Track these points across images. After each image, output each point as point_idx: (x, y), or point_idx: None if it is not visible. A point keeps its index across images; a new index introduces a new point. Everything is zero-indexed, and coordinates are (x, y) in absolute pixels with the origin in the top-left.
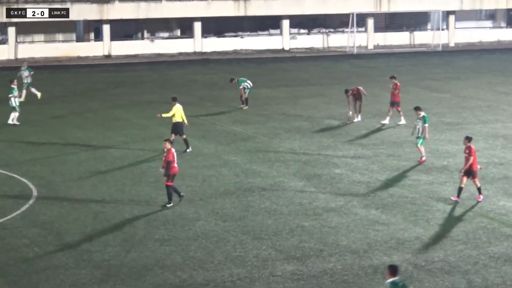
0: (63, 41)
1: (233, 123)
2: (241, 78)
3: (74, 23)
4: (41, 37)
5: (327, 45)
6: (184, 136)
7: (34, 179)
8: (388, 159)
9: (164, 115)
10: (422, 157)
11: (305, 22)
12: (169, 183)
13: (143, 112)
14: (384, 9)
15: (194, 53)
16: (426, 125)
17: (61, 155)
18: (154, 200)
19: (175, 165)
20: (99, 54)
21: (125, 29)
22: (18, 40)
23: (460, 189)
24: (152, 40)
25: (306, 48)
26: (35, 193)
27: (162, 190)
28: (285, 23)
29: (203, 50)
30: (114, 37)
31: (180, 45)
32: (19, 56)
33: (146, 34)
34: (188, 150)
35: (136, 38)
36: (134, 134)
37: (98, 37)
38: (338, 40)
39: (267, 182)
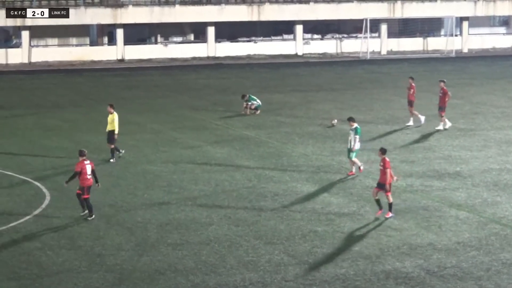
0: (76, 45)
1: (246, 128)
2: (253, 96)
3: (88, 27)
4: (55, 41)
5: (340, 50)
6: (112, 146)
7: (47, 183)
8: (401, 165)
9: (114, 128)
10: (352, 170)
11: (319, 27)
12: (86, 196)
13: (156, 117)
14: (398, 14)
15: (207, 57)
16: (357, 136)
17: (74, 159)
18: (167, 204)
19: (88, 177)
20: (112, 58)
21: (139, 34)
22: (32, 44)
23: (377, 201)
24: (166, 45)
25: (319, 54)
26: (48, 196)
27: (175, 195)
28: (299, 28)
29: (216, 55)
30: (127, 41)
31: (194, 50)
32: (33, 60)
33: (159, 39)
34: (120, 154)
35: (150, 43)
36: (146, 139)
37: (112, 41)
38: (352, 45)
39: (279, 187)
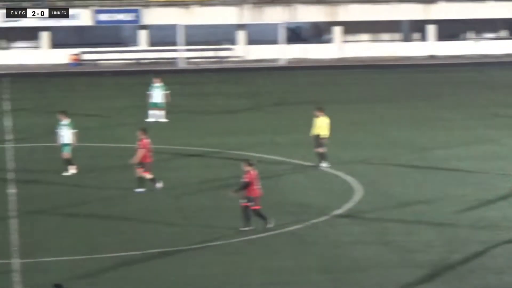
0: (388, 41)
1: None
2: None
3: (399, 22)
4: (366, 36)
5: None
6: (320, 151)
7: (359, 178)
8: None
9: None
10: None
11: None
12: (257, 207)
13: (468, 113)
14: None
15: None
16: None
17: (383, 155)
18: (478, 202)
19: (256, 187)
20: (423, 54)
21: (450, 29)
22: (344, 39)
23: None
24: (477, 41)
25: None
26: (360, 191)
27: (485, 192)
28: None
29: None
30: (438, 37)
31: (507, 46)
32: (345, 55)
33: (470, 35)
34: (324, 165)
35: (462, 39)
36: (456, 135)
37: (423, 37)
38: None
39: None
